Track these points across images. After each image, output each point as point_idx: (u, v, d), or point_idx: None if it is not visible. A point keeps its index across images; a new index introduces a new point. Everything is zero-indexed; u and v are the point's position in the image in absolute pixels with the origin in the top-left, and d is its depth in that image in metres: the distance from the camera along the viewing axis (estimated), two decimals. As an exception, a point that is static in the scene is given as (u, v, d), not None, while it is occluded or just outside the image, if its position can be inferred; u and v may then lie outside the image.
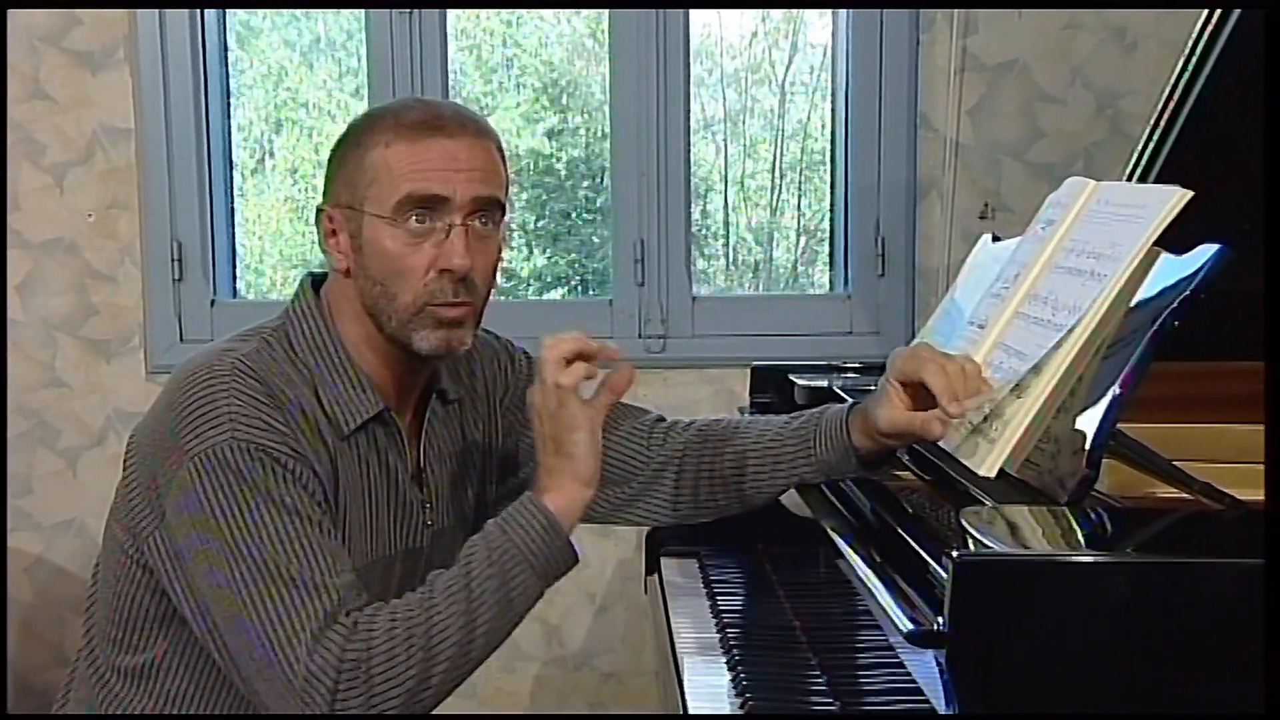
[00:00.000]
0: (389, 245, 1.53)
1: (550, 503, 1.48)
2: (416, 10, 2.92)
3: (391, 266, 1.53)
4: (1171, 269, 1.40)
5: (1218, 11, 1.89)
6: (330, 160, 1.60)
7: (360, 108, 3.06)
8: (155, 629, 1.57)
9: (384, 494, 1.62)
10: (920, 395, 1.52)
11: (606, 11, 2.98)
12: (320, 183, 1.65)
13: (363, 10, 2.96)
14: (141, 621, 1.57)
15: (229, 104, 3.08)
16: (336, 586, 1.41)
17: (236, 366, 1.50)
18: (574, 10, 3.09)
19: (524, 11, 3.09)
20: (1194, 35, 1.93)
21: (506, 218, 1.62)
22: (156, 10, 2.92)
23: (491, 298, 1.62)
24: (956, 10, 2.87)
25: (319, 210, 1.61)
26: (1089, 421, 1.38)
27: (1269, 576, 1.15)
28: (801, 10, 3.10)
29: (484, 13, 3.08)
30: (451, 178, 1.52)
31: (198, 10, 2.95)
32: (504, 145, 1.62)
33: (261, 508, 1.42)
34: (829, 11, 3.05)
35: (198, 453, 1.43)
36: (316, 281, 1.65)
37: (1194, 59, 1.93)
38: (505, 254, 1.66)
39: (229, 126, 3.08)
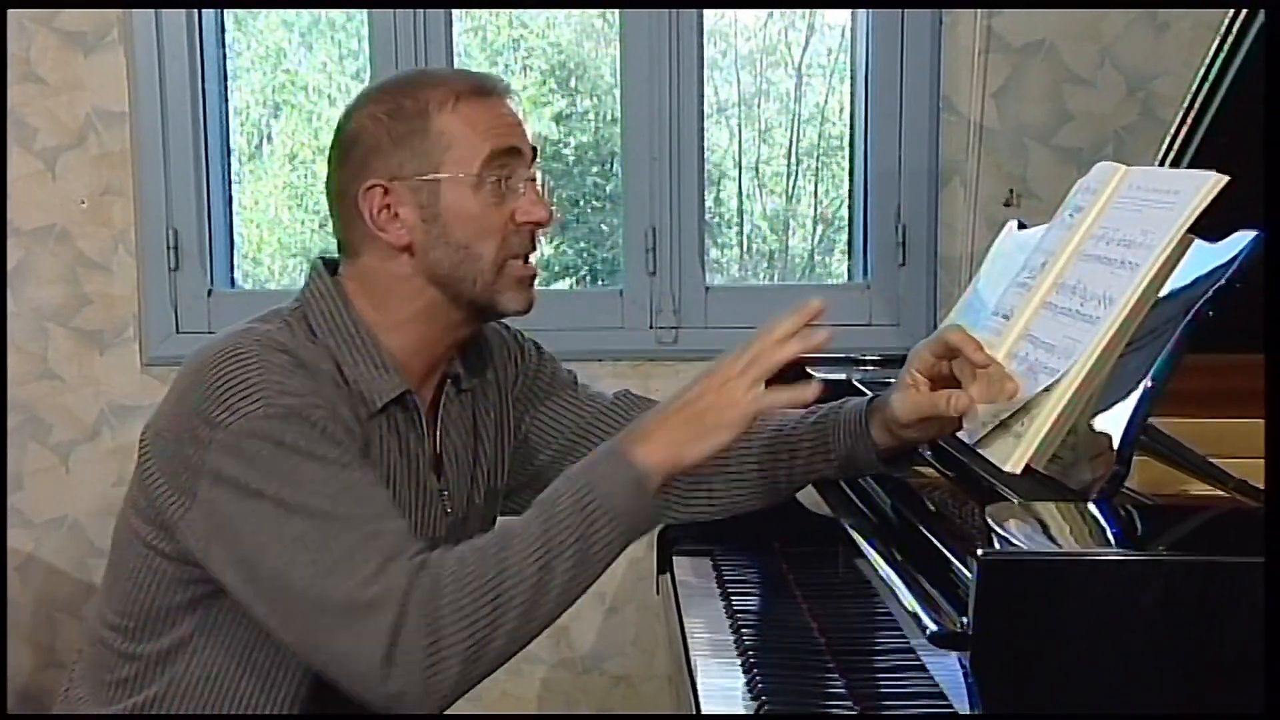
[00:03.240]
0: (473, 206, 1.55)
1: (643, 457, 1.42)
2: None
3: (476, 227, 1.55)
4: (1205, 257, 1.38)
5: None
6: (365, 138, 1.57)
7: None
8: (180, 614, 1.55)
9: (406, 480, 1.60)
10: (939, 385, 1.51)
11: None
12: (321, 168, 1.64)
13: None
14: (165, 610, 1.55)
15: (226, 87, 3.04)
16: (395, 529, 1.40)
17: (261, 341, 1.50)
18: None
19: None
20: (1229, 15, 1.91)
21: None
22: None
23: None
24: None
25: (367, 189, 1.56)
26: (1119, 416, 1.36)
27: (1269, 574, 1.13)
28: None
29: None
30: (518, 131, 1.59)
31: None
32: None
33: (306, 465, 1.41)
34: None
35: (233, 426, 1.42)
36: (327, 266, 1.64)
37: (1229, 39, 1.91)
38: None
39: (226, 110, 3.04)
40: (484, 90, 1.57)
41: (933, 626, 1.22)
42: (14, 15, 2.84)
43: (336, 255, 1.64)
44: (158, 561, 1.53)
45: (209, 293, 2.96)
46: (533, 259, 1.61)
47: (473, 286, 1.56)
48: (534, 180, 1.58)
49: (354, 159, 1.57)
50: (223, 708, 1.55)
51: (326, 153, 1.64)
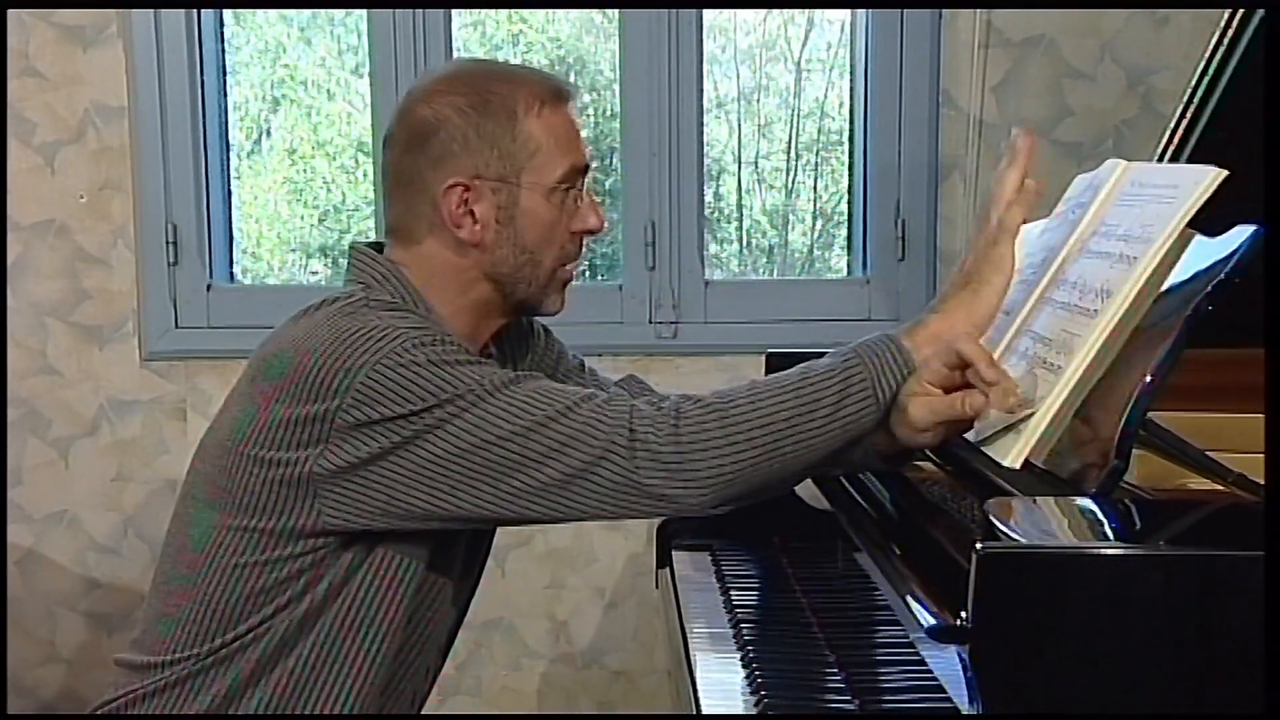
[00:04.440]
0: (546, 214, 1.59)
1: (913, 345, 1.48)
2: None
3: (545, 235, 1.60)
4: (1205, 251, 1.37)
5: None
6: (447, 128, 1.57)
7: (361, 85, 3.02)
8: (300, 581, 1.53)
9: None
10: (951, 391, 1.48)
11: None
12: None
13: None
14: (247, 611, 1.54)
15: (225, 82, 3.02)
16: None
17: (361, 301, 1.53)
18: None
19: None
20: (1229, 9, 1.91)
21: None
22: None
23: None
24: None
25: (449, 186, 1.57)
26: (1118, 410, 1.34)
27: (1268, 569, 1.13)
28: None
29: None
30: (585, 143, 1.63)
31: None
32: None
33: (465, 369, 1.45)
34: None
35: (376, 363, 1.44)
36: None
37: (1229, 33, 1.91)
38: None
39: (225, 105, 3.02)
40: (564, 96, 1.60)
41: (932, 621, 1.21)
42: (12, 9, 2.83)
43: (366, 242, 1.65)
44: (254, 552, 1.52)
45: (208, 288, 2.94)
46: (576, 264, 1.67)
47: (526, 288, 1.61)
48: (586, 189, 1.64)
49: (433, 148, 1.57)
50: (298, 706, 1.55)
51: (387, 135, 1.63)
